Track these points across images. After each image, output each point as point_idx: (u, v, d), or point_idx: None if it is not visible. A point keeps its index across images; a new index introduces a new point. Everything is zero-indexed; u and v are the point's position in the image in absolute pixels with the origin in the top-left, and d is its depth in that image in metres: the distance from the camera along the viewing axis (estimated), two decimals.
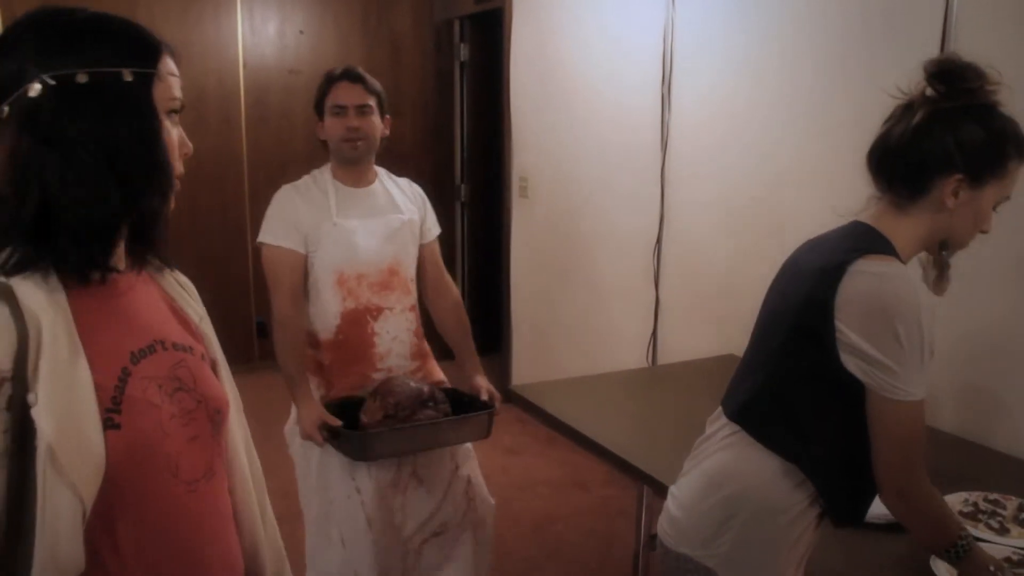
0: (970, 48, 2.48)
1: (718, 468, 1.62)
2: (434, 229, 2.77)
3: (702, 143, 3.62)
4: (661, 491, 2.22)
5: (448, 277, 2.82)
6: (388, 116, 2.64)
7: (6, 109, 1.04)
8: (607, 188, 4.26)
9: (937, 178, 1.50)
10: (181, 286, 1.30)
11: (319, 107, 2.58)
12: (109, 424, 1.03)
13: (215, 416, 1.21)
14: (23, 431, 0.97)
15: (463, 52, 5.86)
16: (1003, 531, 1.86)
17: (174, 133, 1.14)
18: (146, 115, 1.10)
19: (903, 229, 1.55)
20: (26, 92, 1.03)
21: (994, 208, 1.55)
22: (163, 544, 1.11)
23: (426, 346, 2.74)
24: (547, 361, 4.91)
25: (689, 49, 3.65)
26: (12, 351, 0.97)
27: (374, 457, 2.44)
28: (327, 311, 2.55)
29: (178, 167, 1.16)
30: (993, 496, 2.00)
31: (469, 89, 5.94)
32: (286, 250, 2.49)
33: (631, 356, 4.09)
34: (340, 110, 2.52)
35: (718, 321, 3.56)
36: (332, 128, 2.54)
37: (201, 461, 1.17)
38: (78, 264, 1.05)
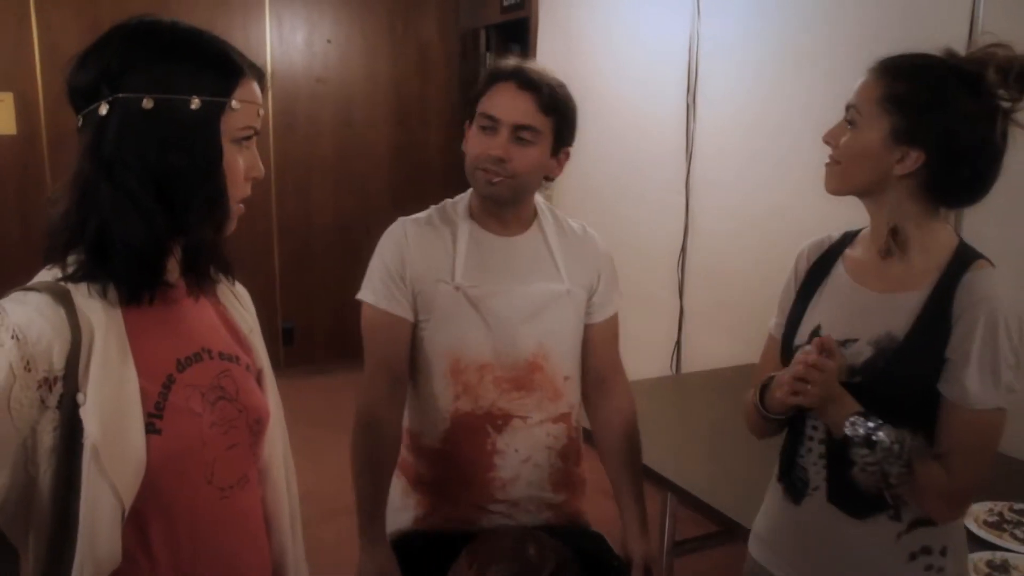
0: None
1: None
2: (608, 305, 1.90)
3: (727, 152, 3.63)
4: (685, 499, 2.23)
5: (623, 376, 1.96)
6: (568, 149, 1.78)
7: (80, 120, 1.08)
8: (632, 197, 4.26)
9: None
10: (236, 297, 1.33)
11: (471, 107, 1.76)
12: (151, 429, 1.06)
13: (255, 426, 1.24)
14: (72, 430, 1.01)
15: (489, 61, 5.89)
16: None
17: (240, 160, 1.15)
18: (207, 145, 1.10)
19: None
20: (97, 109, 1.06)
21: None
22: (192, 545, 1.14)
23: (581, 473, 1.94)
24: None
25: (714, 59, 3.66)
26: (65, 351, 1.01)
27: None
28: (433, 407, 1.78)
29: (243, 190, 1.17)
30: (1019, 506, 1.99)
31: None
32: (387, 315, 1.73)
33: (655, 364, 4.09)
34: (490, 124, 1.70)
35: (743, 330, 3.56)
36: (472, 144, 1.75)
37: (236, 469, 1.20)
38: (127, 285, 1.09)
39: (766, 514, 1.65)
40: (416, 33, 5.94)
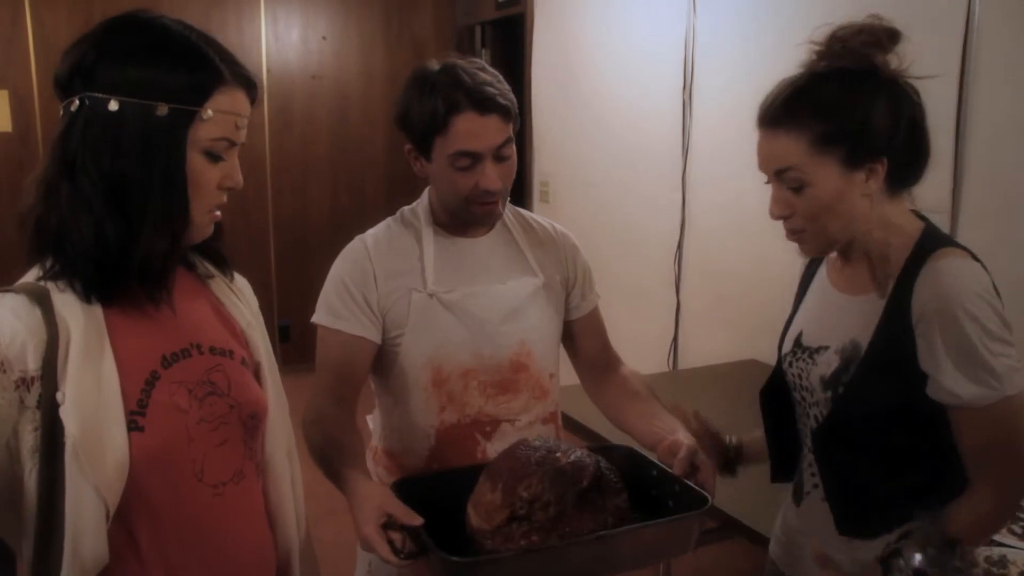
0: (991, 58, 2.47)
1: None
2: (590, 295, 1.86)
3: (723, 148, 3.63)
4: None
5: (617, 355, 1.91)
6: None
7: (60, 110, 1.08)
8: (628, 193, 4.26)
9: None
10: (233, 291, 1.30)
11: (423, 141, 1.59)
12: (133, 426, 1.05)
13: (249, 421, 1.21)
14: (52, 429, 1.00)
15: (484, 57, 5.88)
16: None
17: (210, 171, 1.10)
18: (167, 156, 1.06)
19: None
20: (70, 104, 1.05)
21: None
22: (185, 543, 1.12)
23: None
24: (568, 365, 4.91)
25: (710, 55, 3.66)
26: (41, 351, 1.01)
27: None
28: (415, 424, 1.68)
29: (215, 199, 1.13)
30: None
31: None
32: (346, 336, 1.63)
33: (652, 360, 4.09)
34: (471, 160, 1.57)
35: (739, 326, 3.56)
36: (453, 184, 1.60)
37: (229, 464, 1.18)
38: (85, 285, 1.07)
39: (781, 511, 1.64)
40: (411, 30, 5.93)
